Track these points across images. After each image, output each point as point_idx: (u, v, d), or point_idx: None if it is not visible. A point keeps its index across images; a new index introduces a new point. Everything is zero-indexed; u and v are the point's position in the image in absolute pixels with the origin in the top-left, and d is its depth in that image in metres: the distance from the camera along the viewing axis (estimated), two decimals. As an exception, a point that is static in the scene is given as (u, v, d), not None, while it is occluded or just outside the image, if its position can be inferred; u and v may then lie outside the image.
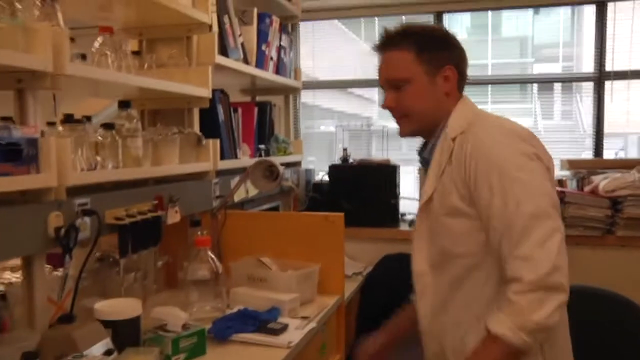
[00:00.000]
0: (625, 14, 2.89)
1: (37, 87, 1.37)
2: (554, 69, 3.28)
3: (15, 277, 1.68)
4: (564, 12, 3.19)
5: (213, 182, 2.11)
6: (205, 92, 2.02)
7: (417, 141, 1.56)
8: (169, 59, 2.03)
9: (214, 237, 1.94)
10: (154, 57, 2.02)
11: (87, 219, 1.47)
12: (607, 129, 2.98)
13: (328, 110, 3.42)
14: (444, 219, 1.37)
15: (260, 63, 2.56)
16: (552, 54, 3.26)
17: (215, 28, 2.09)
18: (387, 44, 1.44)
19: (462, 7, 3.14)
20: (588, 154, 3.00)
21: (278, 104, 3.05)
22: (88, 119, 1.63)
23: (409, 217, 2.96)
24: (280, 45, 2.79)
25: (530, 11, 3.17)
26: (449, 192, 1.35)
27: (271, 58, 2.69)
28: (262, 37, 2.57)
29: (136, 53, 2.03)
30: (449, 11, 3.15)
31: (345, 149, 3.09)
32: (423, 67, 1.40)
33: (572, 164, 2.84)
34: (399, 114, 1.45)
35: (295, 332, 1.63)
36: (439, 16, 3.15)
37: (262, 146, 2.67)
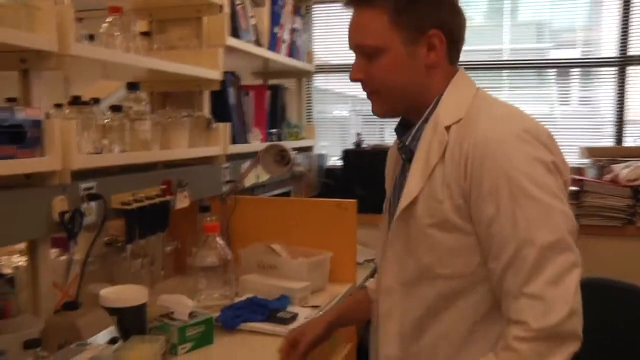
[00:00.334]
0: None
1: (41, 68, 1.34)
2: (572, 54, 3.19)
3: (24, 260, 1.66)
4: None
5: (223, 167, 2.07)
6: (216, 75, 1.97)
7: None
8: (179, 41, 1.98)
9: (223, 223, 1.91)
10: (163, 38, 1.97)
11: (92, 204, 1.44)
12: (628, 115, 2.90)
13: (341, 94, 3.36)
14: (430, 231, 1.09)
15: (273, 45, 2.51)
16: (570, 38, 3.16)
17: (227, 9, 2.04)
18: (357, 0, 1.15)
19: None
20: (607, 142, 2.92)
21: (290, 87, 3.00)
22: (96, 101, 1.59)
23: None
24: (293, 27, 2.74)
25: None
26: (439, 200, 1.08)
27: (284, 41, 2.64)
28: (274, 19, 2.52)
29: (146, 34, 1.98)
30: (466, -7, 3.07)
31: (358, 134, 3.04)
32: (400, 34, 1.10)
33: (591, 152, 2.76)
34: (369, 89, 1.17)
35: (304, 322, 1.59)
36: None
37: (274, 130, 2.63)
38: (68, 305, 1.30)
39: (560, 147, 1.10)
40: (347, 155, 2.96)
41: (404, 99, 1.16)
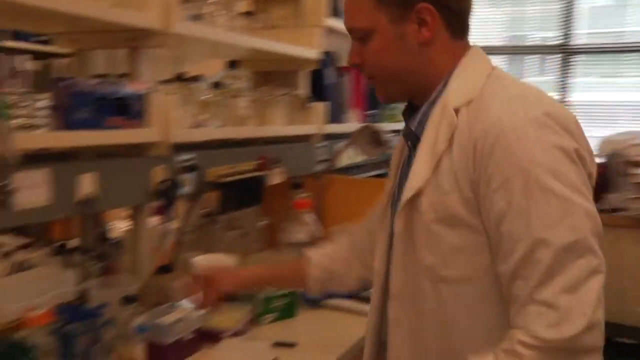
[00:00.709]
0: None
1: (147, 46, 1.42)
2: None
3: (129, 226, 1.79)
4: None
5: (318, 146, 2.10)
6: (313, 54, 1.99)
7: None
8: (279, 20, 2.02)
9: (315, 202, 1.94)
10: (264, 17, 2.02)
11: (189, 175, 1.51)
12: None
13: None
14: (435, 227, 0.96)
15: (374, 27, 2.48)
16: None
17: (328, -11, 2.05)
18: None
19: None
20: None
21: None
22: (197, 78, 1.66)
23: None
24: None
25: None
26: (446, 192, 0.95)
27: (386, 22, 2.60)
28: None
29: (248, 14, 2.04)
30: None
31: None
32: (386, 13, 0.99)
33: None
34: (367, 74, 1.07)
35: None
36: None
37: (372, 112, 2.62)
38: (163, 268, 1.39)
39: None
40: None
41: (403, 82, 1.04)
